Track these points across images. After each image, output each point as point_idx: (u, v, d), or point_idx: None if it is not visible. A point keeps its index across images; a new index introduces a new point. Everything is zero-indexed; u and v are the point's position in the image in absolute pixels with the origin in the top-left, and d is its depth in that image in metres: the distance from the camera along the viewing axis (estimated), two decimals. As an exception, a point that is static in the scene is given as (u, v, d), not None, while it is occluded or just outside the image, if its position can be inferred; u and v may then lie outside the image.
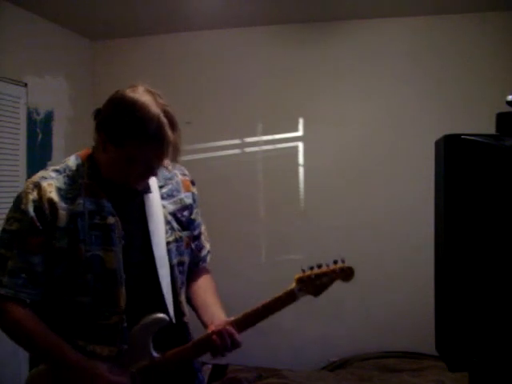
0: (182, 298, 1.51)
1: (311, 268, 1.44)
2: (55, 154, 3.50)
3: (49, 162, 3.43)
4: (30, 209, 1.34)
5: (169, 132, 1.33)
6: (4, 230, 1.37)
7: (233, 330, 1.41)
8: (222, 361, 3.13)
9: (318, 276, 1.43)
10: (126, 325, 1.38)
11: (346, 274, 1.45)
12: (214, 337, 1.40)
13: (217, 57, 3.77)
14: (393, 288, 3.44)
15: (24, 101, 3.21)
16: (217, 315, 1.49)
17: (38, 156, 3.34)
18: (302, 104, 3.66)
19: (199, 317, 1.55)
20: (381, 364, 3.23)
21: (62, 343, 1.35)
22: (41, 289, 1.37)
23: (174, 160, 1.39)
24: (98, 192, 1.40)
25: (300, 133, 3.68)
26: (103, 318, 1.37)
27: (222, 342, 1.39)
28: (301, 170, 3.68)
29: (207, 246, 1.68)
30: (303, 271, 1.44)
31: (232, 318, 1.45)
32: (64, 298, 1.38)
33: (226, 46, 3.77)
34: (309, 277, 1.44)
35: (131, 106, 1.33)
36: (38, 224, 1.34)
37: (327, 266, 1.45)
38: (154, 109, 1.33)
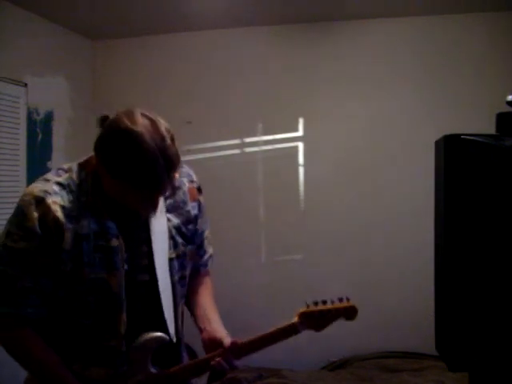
0: (179, 312, 1.49)
1: (315, 303, 1.43)
2: (55, 154, 3.50)
3: (49, 162, 3.43)
4: (37, 228, 1.28)
5: (164, 176, 1.23)
6: (6, 246, 1.31)
7: (230, 356, 1.39)
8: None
9: (321, 313, 1.43)
10: (124, 349, 1.37)
11: (350, 313, 1.44)
12: (213, 362, 1.39)
13: (217, 57, 3.77)
14: (393, 288, 3.44)
15: (24, 101, 3.21)
16: (212, 321, 1.49)
17: (38, 156, 3.34)
18: (302, 104, 3.66)
19: (194, 319, 1.55)
20: (381, 364, 3.23)
21: (65, 371, 1.34)
22: (47, 309, 1.34)
23: (172, 194, 1.36)
24: (102, 212, 1.35)
25: (300, 133, 3.68)
26: (103, 340, 1.36)
27: (220, 367, 1.39)
28: (301, 169, 3.68)
29: (210, 251, 1.65)
30: (307, 306, 1.43)
31: (229, 341, 1.42)
32: (65, 318, 1.36)
33: (226, 46, 3.76)
34: (312, 313, 1.43)
35: (124, 143, 1.21)
36: (46, 244, 1.29)
37: (332, 302, 1.44)
38: (151, 149, 1.20)
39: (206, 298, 1.58)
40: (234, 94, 3.75)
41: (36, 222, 1.28)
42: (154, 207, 1.34)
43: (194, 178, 1.56)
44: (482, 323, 1.16)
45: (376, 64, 3.55)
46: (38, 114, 3.36)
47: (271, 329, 1.44)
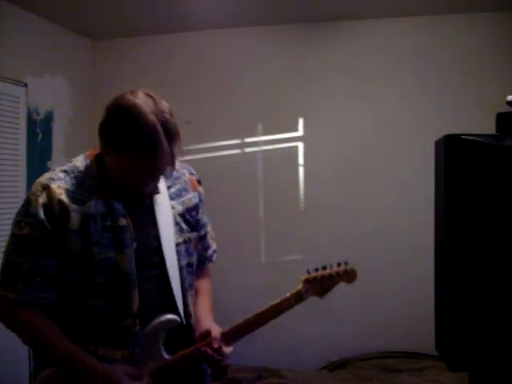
0: (189, 299, 1.51)
1: (316, 269, 1.47)
2: (55, 154, 3.50)
3: (49, 162, 3.43)
4: (41, 212, 1.32)
5: (164, 144, 1.29)
6: (14, 234, 1.35)
7: (222, 347, 1.44)
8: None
9: (323, 277, 1.48)
10: (138, 328, 1.38)
11: (350, 275, 1.49)
12: (204, 349, 1.43)
13: (217, 57, 3.77)
14: (393, 288, 3.44)
15: (24, 101, 3.21)
16: (203, 321, 1.52)
17: (38, 156, 3.34)
18: (302, 104, 3.66)
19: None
20: (381, 364, 3.23)
21: (79, 350, 1.34)
22: (55, 293, 1.35)
23: (173, 168, 1.39)
24: (108, 193, 1.39)
25: (300, 133, 3.68)
26: (116, 321, 1.37)
27: (208, 356, 1.43)
28: (301, 169, 3.68)
29: (213, 246, 1.69)
30: (308, 272, 1.48)
31: (217, 330, 1.47)
32: (76, 301, 1.37)
33: (226, 46, 3.76)
34: (315, 278, 1.48)
35: (126, 114, 1.30)
36: (49, 227, 1.32)
37: (331, 267, 1.48)
38: (150, 118, 1.28)
39: (204, 300, 1.61)
40: (233, 94, 3.75)
41: (40, 207, 1.32)
42: (156, 180, 1.39)
43: (194, 172, 1.64)
44: (482, 323, 1.16)
45: (376, 64, 3.55)
46: (38, 114, 3.36)
47: (275, 300, 1.47)
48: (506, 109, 1.26)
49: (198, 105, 3.75)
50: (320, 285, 1.46)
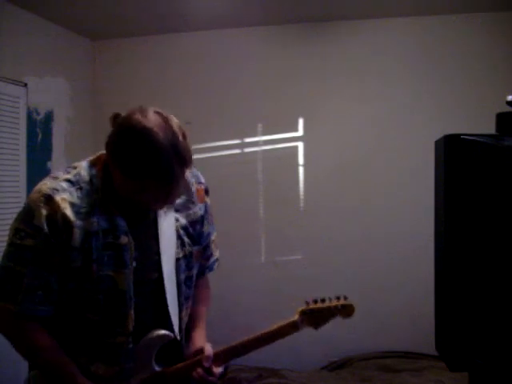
0: (184, 314, 1.50)
1: (315, 301, 1.48)
2: (55, 154, 3.50)
3: (49, 162, 3.43)
4: (44, 225, 1.28)
5: (177, 171, 1.25)
6: (14, 243, 1.30)
7: (212, 368, 1.42)
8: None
9: (320, 311, 1.48)
10: (131, 346, 1.37)
11: (347, 311, 1.48)
12: (194, 374, 1.42)
13: (217, 57, 3.77)
14: (393, 288, 3.44)
15: (24, 101, 3.21)
16: (197, 338, 1.51)
17: (38, 156, 3.34)
18: (302, 104, 3.66)
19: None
20: (381, 364, 3.23)
21: (75, 370, 1.34)
22: (53, 305, 1.34)
23: (183, 192, 1.37)
24: (112, 209, 1.35)
25: (300, 133, 3.68)
26: (110, 337, 1.36)
27: (201, 377, 1.42)
28: (301, 169, 3.68)
29: (216, 254, 1.67)
30: (307, 303, 1.48)
31: (209, 350, 1.45)
32: (73, 313, 1.36)
33: (226, 46, 3.76)
34: (311, 310, 1.48)
35: (138, 140, 1.22)
36: (53, 241, 1.29)
37: (330, 300, 1.48)
38: (163, 145, 1.21)
39: (199, 317, 1.60)
40: (233, 94, 3.75)
41: (44, 220, 1.28)
42: (171, 202, 1.36)
43: (202, 179, 1.58)
44: (482, 323, 1.16)
45: (376, 64, 3.55)
46: (38, 114, 3.36)
47: (272, 326, 1.47)
48: (506, 109, 1.26)
49: (198, 105, 3.75)
50: (315, 318, 1.48)
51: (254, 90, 3.72)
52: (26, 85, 3.22)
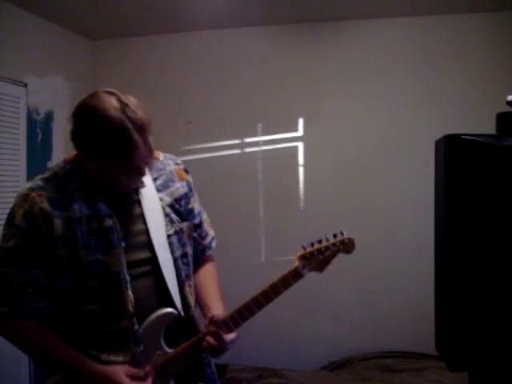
0: (187, 290, 1.50)
1: (312, 244, 1.44)
2: (55, 154, 3.50)
3: (49, 162, 3.43)
4: (24, 222, 1.31)
5: (136, 139, 1.26)
6: (1, 247, 1.34)
7: (221, 333, 1.41)
8: (222, 361, 3.13)
9: (319, 251, 1.44)
10: (137, 327, 1.37)
11: (348, 245, 1.45)
12: (204, 343, 1.41)
13: (217, 57, 3.77)
14: (393, 288, 3.44)
15: (24, 101, 3.21)
16: (214, 308, 1.51)
17: (38, 156, 3.34)
18: (302, 104, 3.66)
19: (200, 307, 1.57)
20: (381, 364, 3.23)
21: (80, 355, 1.34)
22: (49, 301, 1.35)
23: (153, 158, 1.38)
24: (92, 195, 1.37)
25: (300, 133, 3.68)
26: (112, 324, 1.36)
27: (212, 345, 1.41)
28: (301, 169, 3.68)
29: (211, 233, 1.68)
30: (304, 248, 1.44)
31: (233, 310, 1.46)
32: (71, 308, 1.36)
33: (226, 46, 3.76)
34: (311, 253, 1.44)
35: (91, 119, 1.27)
36: (33, 236, 1.31)
37: (327, 240, 1.45)
38: (115, 117, 1.25)
39: (211, 287, 1.62)
40: (234, 94, 3.75)
41: (22, 217, 1.32)
42: (142, 172, 1.36)
43: (179, 161, 1.61)
44: (482, 323, 1.16)
45: (376, 64, 3.55)
46: (38, 114, 3.36)
47: (272, 279, 1.44)
48: (506, 109, 1.26)
49: (198, 105, 3.75)
50: (317, 259, 1.42)
51: (254, 90, 3.72)
52: (26, 85, 3.22)
